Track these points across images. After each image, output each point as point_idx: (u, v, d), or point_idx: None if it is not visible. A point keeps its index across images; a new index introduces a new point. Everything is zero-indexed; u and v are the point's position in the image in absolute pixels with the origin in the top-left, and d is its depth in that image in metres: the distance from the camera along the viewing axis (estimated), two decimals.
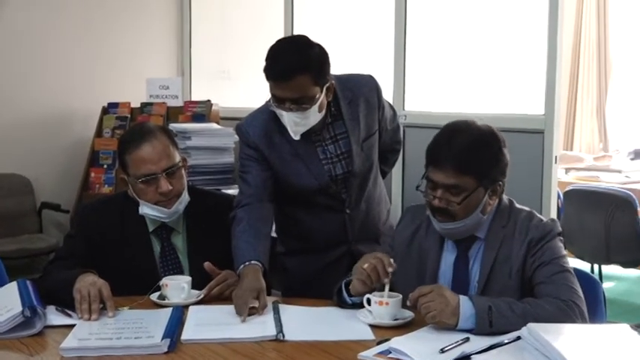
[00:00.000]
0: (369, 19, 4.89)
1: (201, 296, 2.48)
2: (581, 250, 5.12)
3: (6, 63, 5.37)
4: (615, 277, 6.10)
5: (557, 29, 3.78)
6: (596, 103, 8.26)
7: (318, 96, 2.55)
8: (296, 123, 2.57)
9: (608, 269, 5.66)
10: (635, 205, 4.90)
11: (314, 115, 2.58)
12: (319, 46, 2.58)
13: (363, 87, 2.77)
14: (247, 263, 2.46)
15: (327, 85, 2.59)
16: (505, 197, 2.36)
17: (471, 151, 2.21)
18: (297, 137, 2.62)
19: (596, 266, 5.47)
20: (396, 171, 4.21)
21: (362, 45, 4.93)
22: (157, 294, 2.48)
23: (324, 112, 2.63)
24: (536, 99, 3.91)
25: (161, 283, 2.48)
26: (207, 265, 2.53)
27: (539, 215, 2.34)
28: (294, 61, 2.49)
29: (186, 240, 2.69)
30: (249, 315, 2.30)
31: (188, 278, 2.51)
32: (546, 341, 1.87)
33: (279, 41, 2.63)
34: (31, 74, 5.48)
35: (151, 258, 2.65)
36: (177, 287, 2.47)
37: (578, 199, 5.19)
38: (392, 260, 2.28)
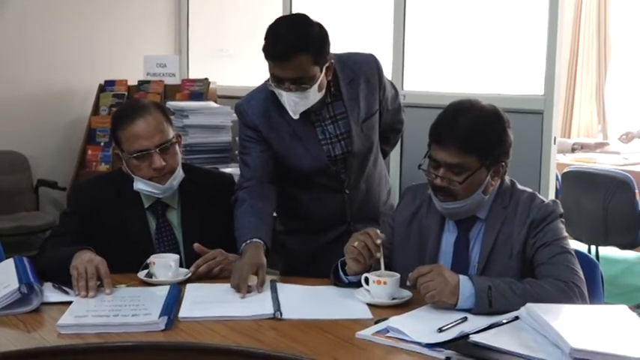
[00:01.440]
0: None
1: (189, 274, 2.48)
2: (579, 232, 5.11)
3: (3, 41, 5.33)
4: (612, 259, 6.11)
5: (558, 9, 3.75)
6: (596, 85, 8.24)
7: (317, 75, 2.53)
8: (295, 103, 2.55)
9: (605, 250, 5.66)
10: (632, 186, 4.89)
11: (313, 95, 2.56)
12: (319, 25, 2.56)
13: (363, 66, 2.75)
14: (249, 241, 2.46)
15: (327, 64, 2.57)
16: (507, 178, 2.35)
17: (475, 131, 2.20)
18: (296, 117, 2.60)
19: (593, 247, 5.47)
20: (395, 151, 4.18)
21: (361, 24, 4.91)
22: (145, 272, 2.48)
23: (323, 91, 2.61)
24: (536, 79, 3.89)
25: (149, 260, 2.47)
26: (196, 246, 2.54)
27: (540, 196, 2.33)
28: (294, 41, 2.47)
29: (181, 216, 2.69)
30: (247, 292, 2.30)
31: (176, 256, 2.51)
32: (545, 321, 1.87)
33: (278, 20, 2.60)
34: (28, 51, 5.45)
35: (146, 234, 2.64)
36: (164, 265, 2.46)
37: (576, 181, 5.18)
38: (379, 231, 2.28)
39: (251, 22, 5.44)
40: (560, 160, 5.55)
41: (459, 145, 2.18)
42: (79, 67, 5.67)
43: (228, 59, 5.97)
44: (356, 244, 2.26)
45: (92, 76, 5.58)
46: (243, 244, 2.46)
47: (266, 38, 2.52)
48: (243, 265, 2.35)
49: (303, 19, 2.58)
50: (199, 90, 5.28)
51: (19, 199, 5.44)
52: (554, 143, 3.86)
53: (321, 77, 2.55)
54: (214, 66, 5.91)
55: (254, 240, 2.46)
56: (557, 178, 4.70)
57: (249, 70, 5.01)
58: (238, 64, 5.82)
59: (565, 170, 5.26)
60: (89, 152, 5.39)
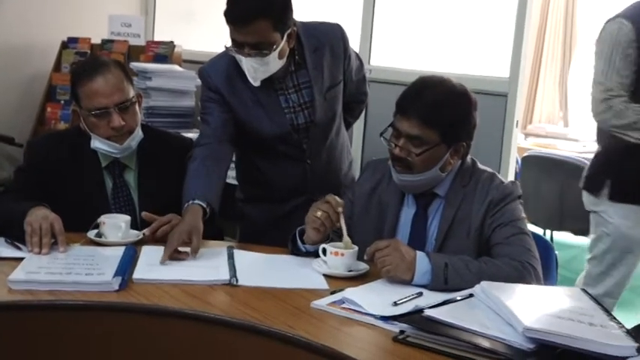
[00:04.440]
0: None
1: (140, 236, 2.45)
2: (535, 216, 5.16)
3: None
4: (566, 244, 6.19)
5: None
6: (560, 73, 8.29)
7: (278, 42, 2.50)
8: (255, 69, 2.53)
9: (560, 235, 5.73)
10: None
11: (274, 62, 2.54)
12: None
13: (329, 35, 2.74)
14: (191, 202, 2.43)
15: (289, 31, 2.54)
16: (468, 157, 2.36)
17: (439, 106, 2.20)
18: (256, 83, 2.58)
19: (548, 232, 5.54)
20: (358, 125, 4.19)
21: None
22: (95, 231, 2.44)
23: (284, 59, 2.59)
24: (502, 62, 3.90)
25: (99, 220, 2.44)
26: (144, 214, 2.51)
27: (500, 177, 2.34)
28: (255, 5, 2.44)
29: (138, 177, 2.66)
30: (180, 260, 2.28)
31: (127, 217, 2.48)
32: (499, 299, 1.88)
33: None
34: None
35: (103, 194, 2.61)
36: (114, 225, 2.42)
37: (536, 165, 5.22)
38: (338, 199, 2.28)
39: None
40: (520, 144, 5.60)
41: (421, 118, 2.19)
42: (41, 21, 5.54)
43: (195, 24, 5.89)
44: (319, 214, 2.26)
45: (54, 32, 5.46)
46: (186, 204, 2.43)
47: (227, 2, 2.49)
48: (175, 232, 2.32)
49: None
50: (164, 53, 5.21)
51: None
52: (517, 126, 3.89)
53: (282, 44, 2.52)
54: (181, 30, 5.83)
55: (195, 202, 2.43)
56: (517, 162, 4.74)
57: (216, 36, 4.95)
58: (205, 29, 5.74)
59: (525, 154, 5.31)
60: (49, 109, 5.29)
